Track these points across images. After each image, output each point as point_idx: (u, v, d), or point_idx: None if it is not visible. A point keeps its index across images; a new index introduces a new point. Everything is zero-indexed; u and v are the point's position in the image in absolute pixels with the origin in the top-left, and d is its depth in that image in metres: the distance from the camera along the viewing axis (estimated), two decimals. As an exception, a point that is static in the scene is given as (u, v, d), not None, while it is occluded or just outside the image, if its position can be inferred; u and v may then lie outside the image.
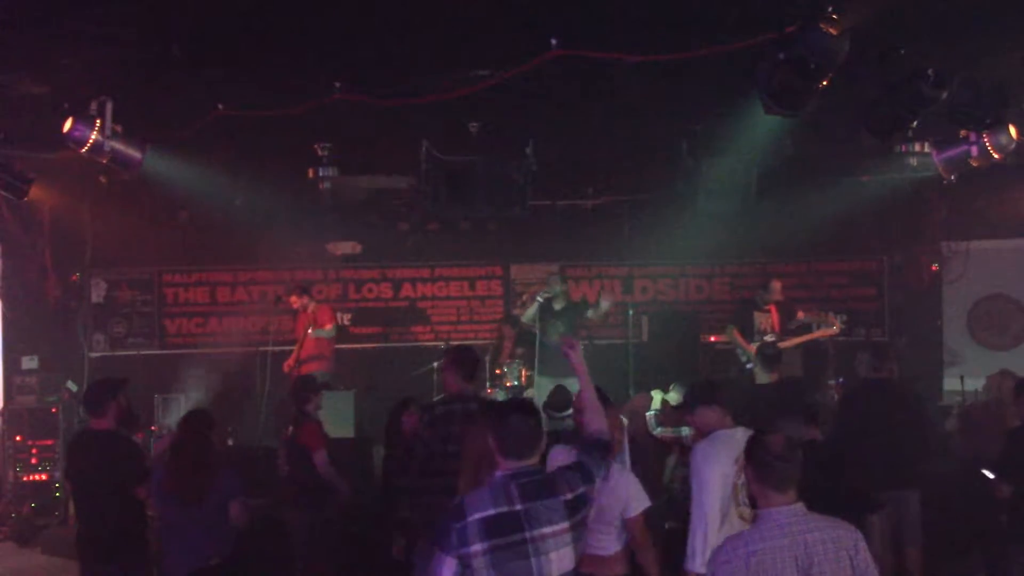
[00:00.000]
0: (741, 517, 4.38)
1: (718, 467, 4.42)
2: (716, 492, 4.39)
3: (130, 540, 5.49)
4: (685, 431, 7.11)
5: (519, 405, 3.60)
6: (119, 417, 5.61)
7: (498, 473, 3.39)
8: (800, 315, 10.01)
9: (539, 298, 9.63)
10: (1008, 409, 7.14)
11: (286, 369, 10.15)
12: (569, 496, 3.33)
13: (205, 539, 5.18)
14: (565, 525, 3.28)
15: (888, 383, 6.46)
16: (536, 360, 9.85)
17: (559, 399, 6.39)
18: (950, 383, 10.07)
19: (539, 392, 9.55)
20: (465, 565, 3.23)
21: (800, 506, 3.34)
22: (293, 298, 10.32)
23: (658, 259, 11.97)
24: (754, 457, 3.41)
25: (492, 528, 3.24)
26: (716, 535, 4.30)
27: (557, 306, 9.70)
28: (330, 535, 6.33)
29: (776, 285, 10.18)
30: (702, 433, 4.72)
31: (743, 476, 4.29)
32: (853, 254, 12.02)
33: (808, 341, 10.08)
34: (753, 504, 3.52)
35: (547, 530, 3.25)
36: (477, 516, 3.26)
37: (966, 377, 9.11)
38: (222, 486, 5.24)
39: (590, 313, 9.68)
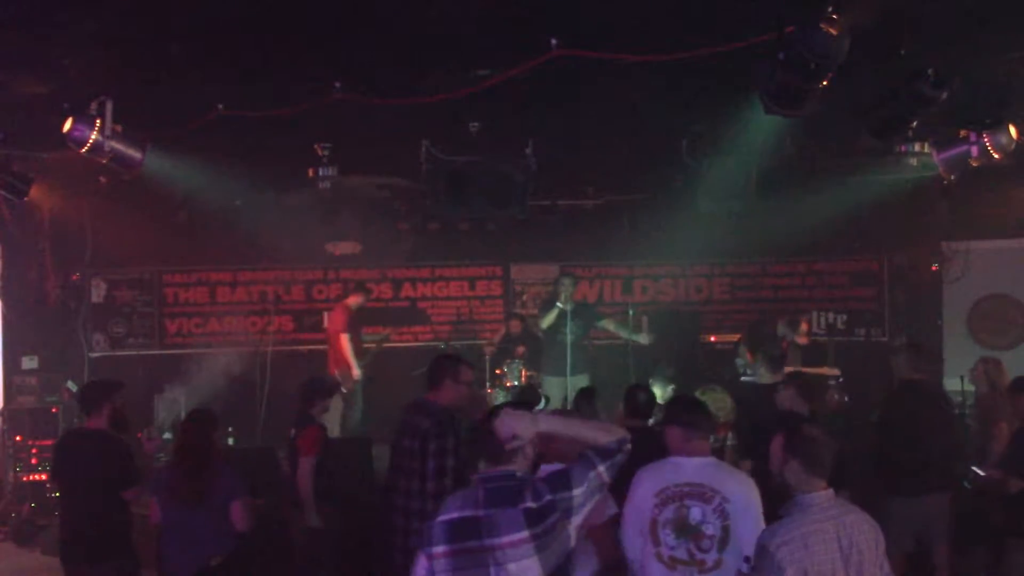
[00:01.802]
0: (659, 559, 4.02)
1: (632, 501, 4.14)
2: (629, 529, 4.11)
3: (116, 541, 5.49)
4: None
5: (499, 410, 3.51)
6: (112, 419, 5.61)
7: (475, 475, 3.39)
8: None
9: (560, 304, 9.67)
10: (999, 401, 7.16)
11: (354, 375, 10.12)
12: (531, 505, 3.21)
13: (206, 540, 5.18)
14: (525, 535, 3.17)
15: (927, 384, 6.51)
16: (544, 360, 9.88)
17: (527, 394, 6.30)
18: (950, 383, 10.06)
19: (548, 391, 9.61)
20: (431, 566, 3.23)
21: (831, 492, 3.51)
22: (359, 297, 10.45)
23: (658, 259, 11.98)
24: (801, 449, 3.52)
25: (454, 532, 3.22)
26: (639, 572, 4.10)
27: (568, 307, 9.74)
28: (331, 537, 6.30)
29: (804, 327, 10.11)
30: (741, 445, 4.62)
31: (665, 511, 4.05)
32: (853, 254, 12.02)
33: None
34: (783, 496, 3.58)
35: (506, 539, 3.17)
36: (445, 518, 3.26)
37: (966, 377, 9.10)
38: (224, 486, 5.24)
39: (622, 332, 10.05)
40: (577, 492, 3.25)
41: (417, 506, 4.71)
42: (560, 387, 9.53)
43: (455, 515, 3.26)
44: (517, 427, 3.34)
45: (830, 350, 10.50)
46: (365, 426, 10.21)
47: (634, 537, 4.11)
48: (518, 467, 3.34)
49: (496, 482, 3.29)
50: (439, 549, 3.22)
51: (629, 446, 3.39)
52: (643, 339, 10.08)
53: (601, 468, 3.30)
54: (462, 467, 4.63)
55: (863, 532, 3.44)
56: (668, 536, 4.03)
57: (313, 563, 6.25)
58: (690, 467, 4.12)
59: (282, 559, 6.41)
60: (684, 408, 4.42)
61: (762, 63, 5.34)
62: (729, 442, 7.04)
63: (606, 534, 4.15)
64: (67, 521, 5.63)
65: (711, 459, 4.23)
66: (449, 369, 4.96)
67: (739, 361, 9.97)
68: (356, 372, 10.14)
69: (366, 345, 10.49)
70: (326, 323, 11.02)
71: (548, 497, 3.23)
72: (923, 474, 6.05)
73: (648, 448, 4.31)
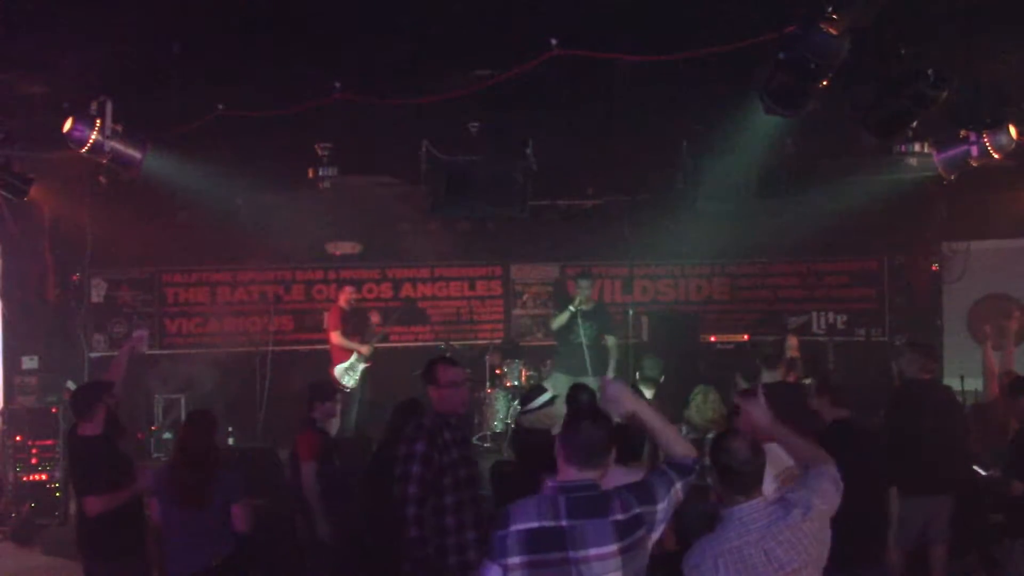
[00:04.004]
0: None
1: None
2: None
3: (129, 540, 5.51)
4: None
5: (590, 412, 3.41)
6: (108, 422, 5.61)
7: (550, 483, 3.25)
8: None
9: (572, 308, 9.66)
10: (1001, 407, 7.15)
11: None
12: (620, 517, 3.11)
13: (207, 541, 5.17)
14: (614, 548, 3.06)
15: (936, 384, 6.48)
16: (558, 357, 9.88)
17: (530, 392, 6.28)
18: (949, 383, 10.06)
19: (554, 387, 9.59)
20: None
21: (763, 500, 3.30)
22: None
23: (658, 259, 11.99)
24: (719, 463, 3.32)
25: (533, 542, 3.08)
26: None
27: (587, 306, 9.73)
28: (335, 541, 6.27)
29: (792, 342, 10.08)
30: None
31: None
32: (853, 254, 12.03)
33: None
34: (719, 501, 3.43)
35: (592, 552, 3.05)
36: (519, 527, 3.11)
37: (966, 377, 9.11)
38: (225, 488, 5.24)
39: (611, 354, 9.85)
40: (660, 507, 3.18)
41: (397, 511, 4.50)
42: (569, 386, 9.52)
43: (533, 524, 3.10)
44: (622, 396, 3.27)
45: (830, 350, 10.52)
46: (364, 426, 10.21)
47: None
48: (598, 476, 3.22)
49: (579, 491, 3.16)
50: (515, 560, 3.08)
51: (699, 467, 3.34)
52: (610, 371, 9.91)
53: (679, 485, 3.24)
54: (436, 475, 4.46)
55: (790, 539, 3.22)
56: None
57: (321, 568, 6.23)
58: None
59: (282, 559, 6.40)
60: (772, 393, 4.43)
61: (762, 63, 5.34)
62: (709, 436, 7.08)
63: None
64: (82, 520, 5.63)
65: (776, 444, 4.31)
66: (429, 373, 4.75)
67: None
68: (365, 349, 10.17)
69: (363, 348, 10.43)
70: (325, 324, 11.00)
71: (636, 510, 3.14)
72: (929, 474, 6.04)
73: None
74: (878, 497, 5.29)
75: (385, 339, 10.48)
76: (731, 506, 3.28)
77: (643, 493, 3.19)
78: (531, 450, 5.12)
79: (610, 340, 10.00)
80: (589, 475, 3.19)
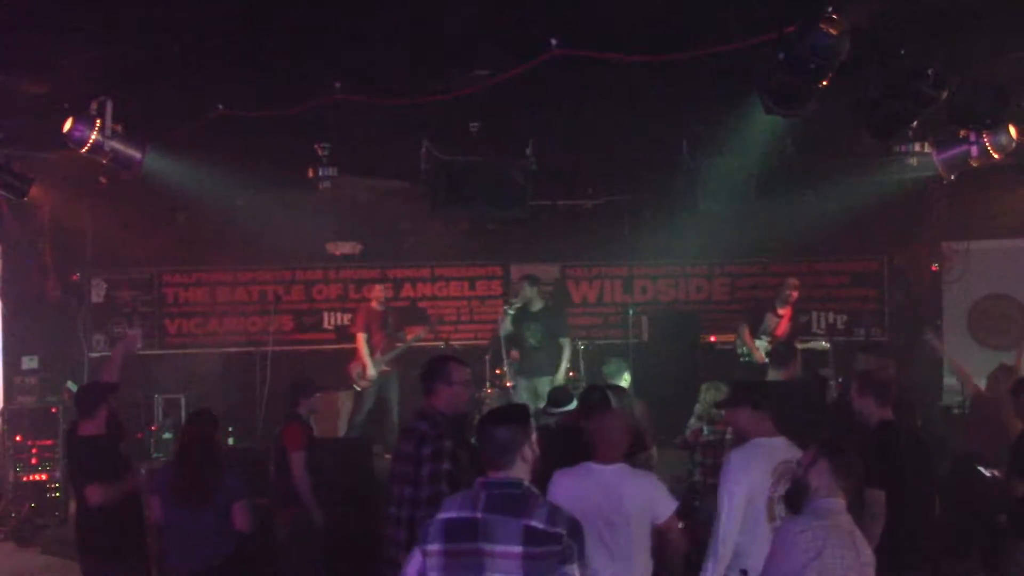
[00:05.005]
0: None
1: (746, 479, 4.34)
2: (740, 507, 4.31)
3: (130, 540, 5.52)
4: None
5: (494, 413, 3.52)
6: (109, 423, 5.62)
7: (479, 479, 3.35)
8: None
9: (509, 311, 9.69)
10: (1005, 405, 7.13)
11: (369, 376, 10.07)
12: (537, 525, 3.11)
13: (207, 540, 5.19)
14: (517, 550, 3.09)
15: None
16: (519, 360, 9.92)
17: (560, 396, 6.31)
18: (950, 382, 10.07)
19: (516, 392, 9.65)
20: (425, 563, 3.22)
21: (845, 505, 3.60)
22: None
23: (658, 259, 11.98)
24: (832, 454, 3.59)
25: (450, 531, 3.20)
26: (731, 549, 4.30)
27: (534, 308, 9.75)
28: (316, 537, 6.27)
29: (793, 282, 10.17)
30: (739, 437, 4.68)
31: (780, 488, 4.27)
32: (853, 254, 12.02)
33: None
34: (794, 503, 3.67)
35: (499, 548, 3.11)
36: (444, 516, 3.24)
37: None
38: (227, 487, 5.25)
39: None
40: (576, 552, 3.15)
41: (407, 514, 4.41)
42: (527, 389, 9.64)
43: (454, 515, 3.23)
44: None
45: (830, 350, 10.51)
46: (367, 427, 10.20)
47: (735, 519, 4.31)
48: (522, 475, 3.28)
49: (499, 488, 3.22)
50: (434, 547, 3.20)
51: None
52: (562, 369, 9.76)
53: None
54: (460, 472, 4.38)
55: (868, 549, 3.53)
56: (783, 511, 4.23)
57: (303, 562, 6.23)
58: (781, 446, 4.41)
59: (275, 559, 6.40)
60: (753, 391, 4.70)
61: (762, 63, 5.34)
62: (728, 436, 7.07)
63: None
64: (82, 521, 5.64)
65: (784, 438, 4.50)
66: (439, 371, 4.61)
67: (737, 341, 10.09)
68: (370, 372, 10.04)
69: (397, 343, 10.39)
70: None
71: (559, 530, 3.13)
72: None
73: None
74: (925, 502, 5.22)
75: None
76: (828, 497, 3.55)
77: (575, 528, 3.19)
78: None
79: (563, 341, 9.87)
80: (506, 473, 3.27)
